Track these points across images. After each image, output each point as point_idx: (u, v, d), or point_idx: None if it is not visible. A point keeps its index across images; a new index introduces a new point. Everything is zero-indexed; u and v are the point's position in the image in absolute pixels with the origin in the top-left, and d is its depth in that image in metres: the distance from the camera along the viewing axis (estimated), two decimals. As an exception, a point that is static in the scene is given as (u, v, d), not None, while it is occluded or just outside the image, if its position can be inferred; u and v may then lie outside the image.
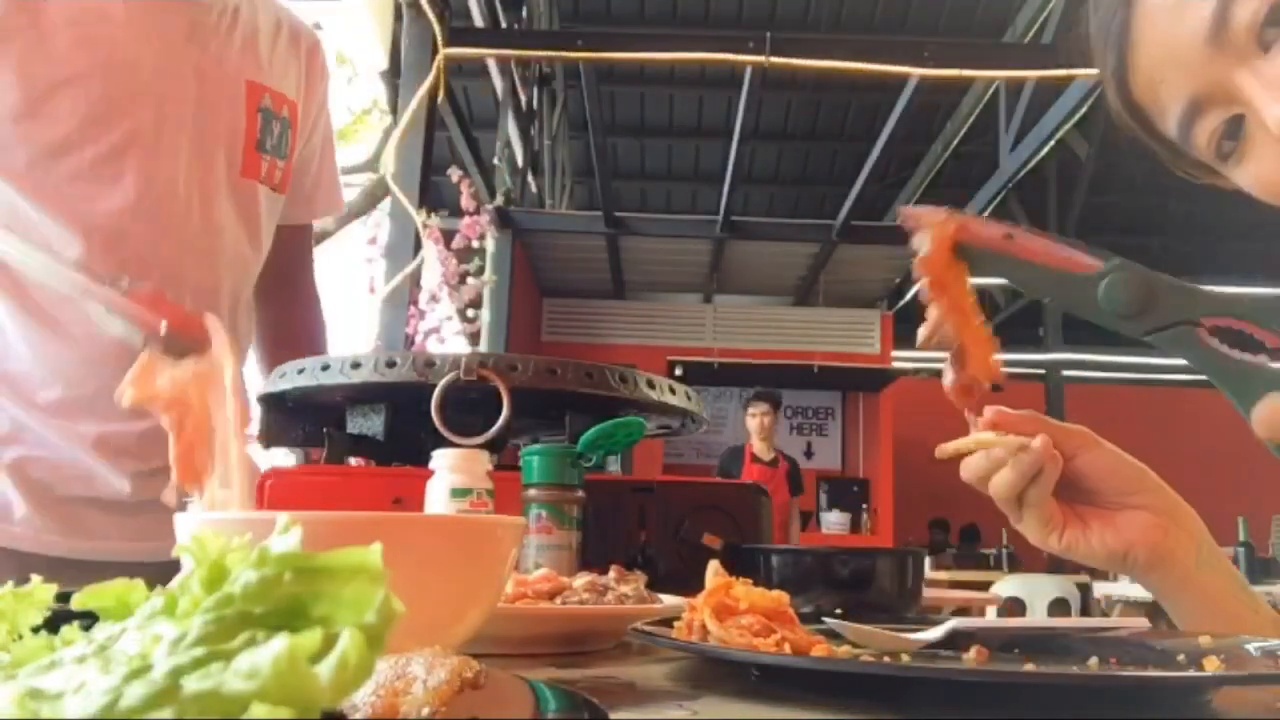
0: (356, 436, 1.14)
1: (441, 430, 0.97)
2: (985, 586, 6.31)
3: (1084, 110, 4.92)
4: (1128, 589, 6.73)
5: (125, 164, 1.19)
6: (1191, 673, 0.52)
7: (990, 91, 5.78)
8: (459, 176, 4.46)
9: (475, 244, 4.57)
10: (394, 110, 4.52)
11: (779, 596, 0.63)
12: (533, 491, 0.91)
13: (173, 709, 0.20)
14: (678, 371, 7.07)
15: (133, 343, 0.96)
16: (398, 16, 4.43)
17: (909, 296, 7.56)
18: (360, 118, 11.92)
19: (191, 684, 0.20)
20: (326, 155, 1.50)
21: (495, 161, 6.00)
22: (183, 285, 1.22)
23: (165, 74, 1.22)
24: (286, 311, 1.53)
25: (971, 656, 0.62)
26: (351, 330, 4.21)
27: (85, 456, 1.21)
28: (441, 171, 4.72)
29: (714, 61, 5.11)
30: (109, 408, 1.19)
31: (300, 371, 1.05)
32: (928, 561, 6.73)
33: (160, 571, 0.36)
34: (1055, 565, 8.96)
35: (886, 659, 0.60)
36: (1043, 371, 10.06)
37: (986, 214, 6.42)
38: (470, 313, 4.55)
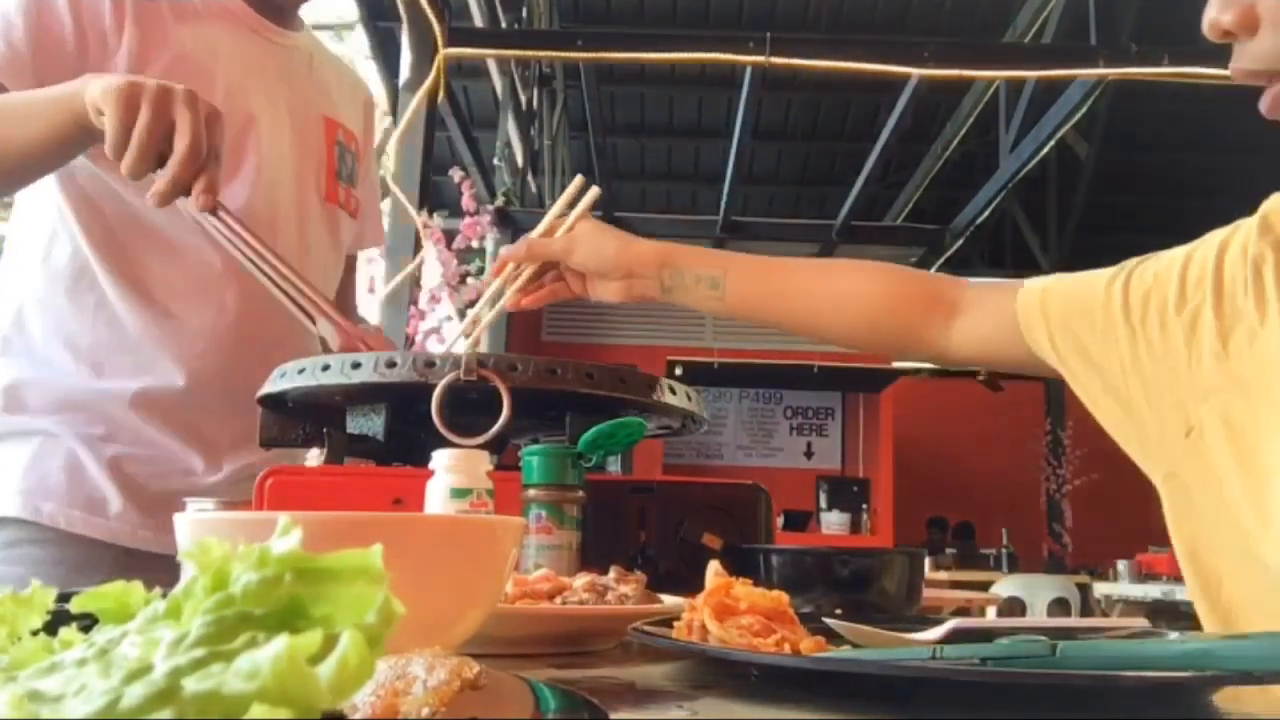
0: (356, 436, 1.14)
1: (441, 430, 0.97)
2: (985, 586, 6.31)
3: (1084, 110, 4.91)
4: (1128, 589, 6.74)
5: (241, 185, 1.29)
6: (1191, 672, 0.52)
7: (990, 91, 5.78)
8: (461, 177, 4.46)
9: (475, 244, 4.57)
10: (394, 110, 4.52)
11: (779, 597, 0.63)
12: (532, 492, 0.91)
13: (173, 709, 0.20)
14: (678, 371, 7.06)
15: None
16: (396, 17, 4.43)
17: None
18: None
19: (192, 685, 0.20)
20: (374, 194, 1.64)
21: (495, 161, 6.00)
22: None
23: (267, 108, 1.34)
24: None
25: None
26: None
27: (184, 449, 1.28)
28: (441, 171, 4.71)
29: (714, 61, 5.11)
30: (215, 398, 1.30)
31: (300, 371, 1.05)
32: (927, 562, 6.74)
33: None
34: (1055, 565, 8.97)
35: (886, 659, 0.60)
36: (1043, 371, 10.06)
37: (986, 213, 6.43)
38: (470, 313, 4.54)
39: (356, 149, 1.50)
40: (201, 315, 1.28)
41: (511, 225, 6.27)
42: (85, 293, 1.26)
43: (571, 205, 1.14)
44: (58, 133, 1.07)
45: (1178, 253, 0.88)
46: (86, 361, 1.25)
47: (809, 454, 8.36)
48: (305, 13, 1.45)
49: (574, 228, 1.08)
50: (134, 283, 1.26)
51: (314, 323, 1.18)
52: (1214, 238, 0.86)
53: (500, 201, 6.04)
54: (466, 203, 4.51)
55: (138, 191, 1.22)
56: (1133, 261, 0.91)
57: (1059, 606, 6.44)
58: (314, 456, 1.30)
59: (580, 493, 0.91)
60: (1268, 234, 0.83)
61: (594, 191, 1.12)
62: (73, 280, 1.26)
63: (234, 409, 1.30)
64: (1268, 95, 0.81)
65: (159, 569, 0.39)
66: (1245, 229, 0.85)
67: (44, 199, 1.27)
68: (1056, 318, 0.92)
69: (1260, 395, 0.76)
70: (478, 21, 5.20)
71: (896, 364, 7.94)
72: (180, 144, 0.99)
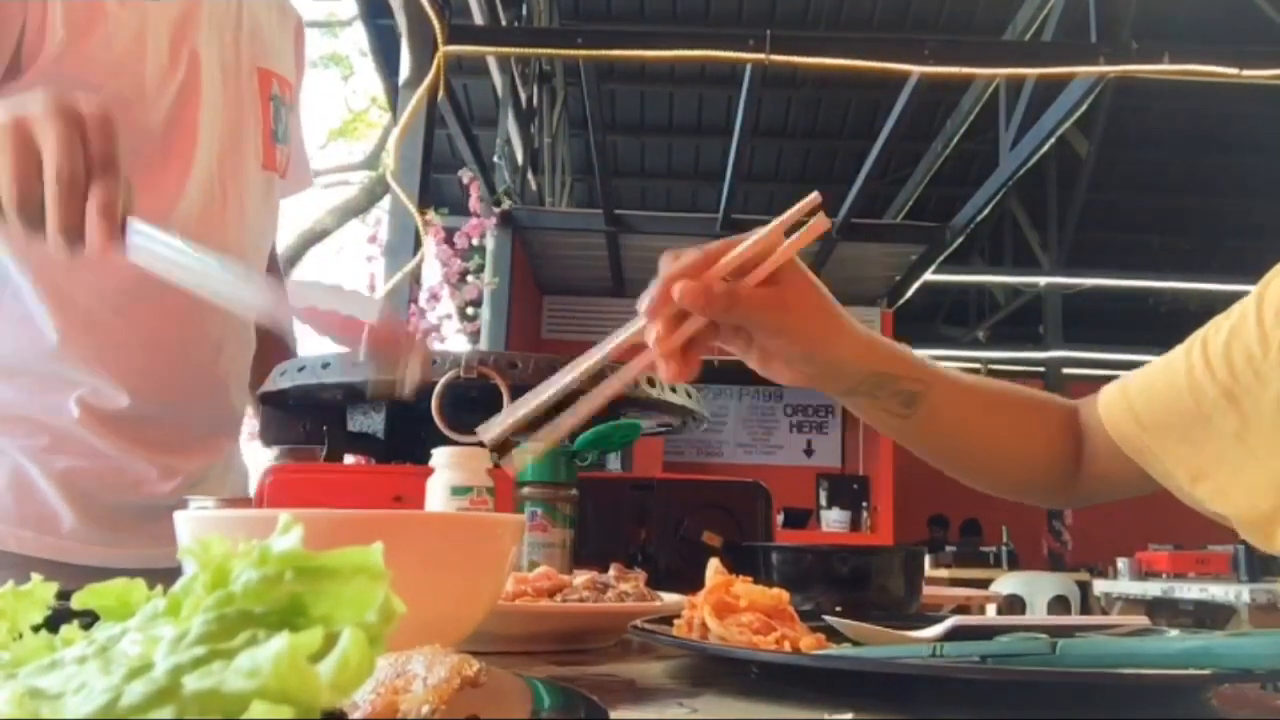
0: (357, 434, 1.14)
1: (441, 428, 0.97)
2: (985, 584, 6.31)
3: (1084, 108, 4.91)
4: (1128, 586, 6.74)
5: (168, 164, 1.17)
6: (1191, 670, 0.52)
7: (990, 89, 5.77)
8: (470, 179, 4.45)
9: (475, 242, 4.57)
10: (393, 108, 4.51)
11: (779, 594, 0.63)
12: (527, 490, 0.91)
13: (173, 708, 0.20)
14: (678, 369, 7.04)
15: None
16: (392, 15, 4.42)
17: (909, 294, 7.56)
18: (359, 115, 11.90)
19: (192, 683, 0.20)
20: (299, 134, 1.45)
21: (495, 159, 5.99)
22: None
23: (205, 73, 1.20)
24: None
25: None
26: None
27: (133, 457, 1.20)
28: (441, 170, 4.71)
29: (714, 59, 5.10)
30: (160, 406, 1.21)
31: (301, 369, 1.05)
32: (927, 559, 6.73)
33: None
34: (1055, 563, 8.97)
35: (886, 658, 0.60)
36: (1043, 369, 10.06)
37: (986, 211, 6.42)
38: (470, 311, 4.54)
39: (290, 97, 1.35)
40: (140, 323, 1.19)
41: (511, 223, 6.27)
42: (7, 303, 1.15)
43: (788, 231, 0.73)
44: None
45: (1246, 299, 0.80)
46: (18, 374, 1.16)
47: (809, 452, 8.36)
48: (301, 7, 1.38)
49: (782, 274, 0.73)
50: (55, 292, 1.15)
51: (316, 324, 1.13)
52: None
53: (506, 205, 6.03)
54: (474, 204, 4.50)
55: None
56: (1200, 330, 0.82)
57: (1059, 604, 6.45)
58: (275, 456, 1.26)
59: (574, 490, 0.91)
60: None
61: (821, 224, 0.72)
62: None
63: (183, 413, 1.25)
64: None
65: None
66: None
67: None
68: (1139, 397, 0.82)
69: None
70: (478, 19, 5.19)
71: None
72: (49, 175, 0.78)
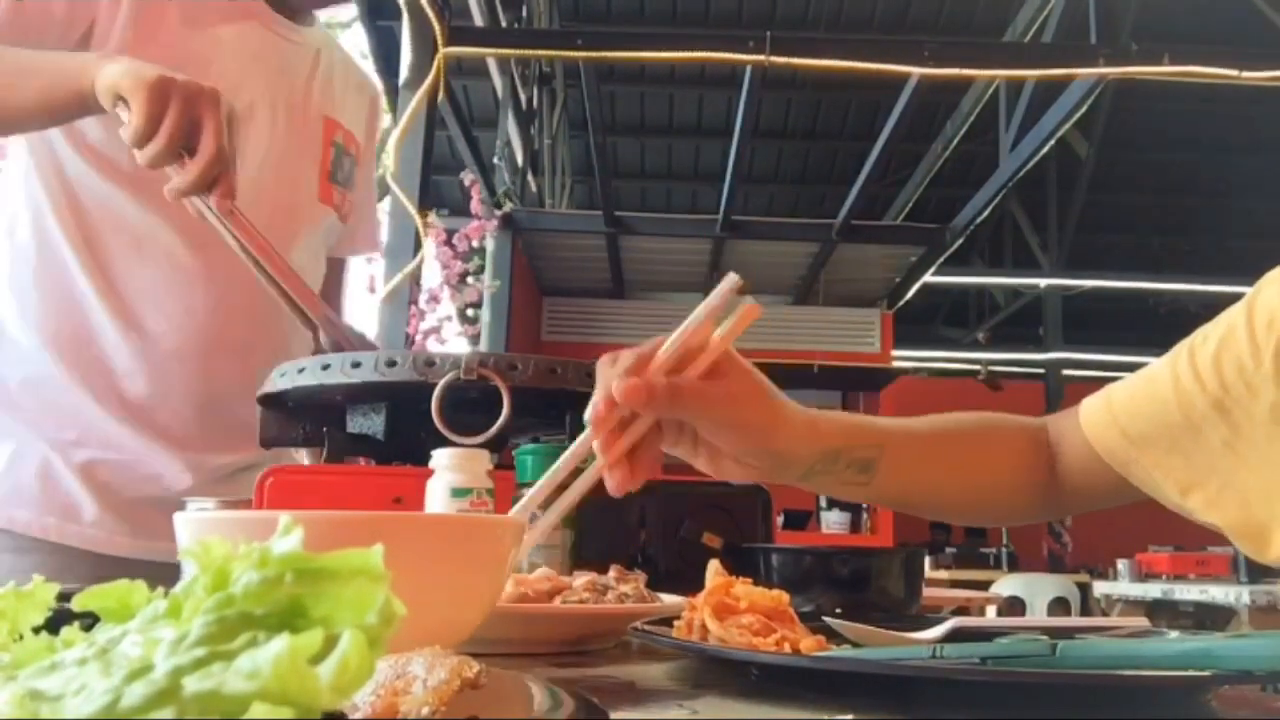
0: (357, 436, 1.14)
1: (442, 429, 0.97)
2: (985, 586, 6.31)
3: (1084, 109, 4.91)
4: (1128, 588, 6.74)
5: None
6: (1191, 672, 0.52)
7: (990, 90, 5.78)
8: (471, 180, 4.45)
9: (475, 244, 4.57)
10: (393, 109, 4.51)
11: (779, 596, 0.63)
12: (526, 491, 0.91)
13: (173, 709, 0.20)
14: (678, 370, 7.03)
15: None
16: (396, 15, 4.42)
17: (909, 296, 7.56)
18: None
19: (192, 684, 0.20)
20: (371, 199, 1.61)
21: (495, 160, 6.00)
22: (266, 291, 1.29)
23: (263, 103, 1.32)
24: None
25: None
26: (351, 329, 4.20)
27: (153, 452, 1.26)
28: (441, 171, 4.71)
29: (714, 60, 5.10)
30: (184, 401, 1.28)
31: (300, 371, 1.05)
32: (927, 561, 6.73)
33: None
34: (1055, 565, 8.96)
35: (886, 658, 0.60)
36: (1042, 371, 10.06)
37: (986, 213, 6.42)
38: (470, 312, 4.54)
39: (356, 152, 1.48)
40: (170, 318, 1.26)
41: (511, 225, 6.27)
42: (54, 286, 1.24)
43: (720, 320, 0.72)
44: (50, 103, 1.07)
45: (1235, 308, 0.79)
46: (58, 355, 1.24)
47: (809, 453, 8.35)
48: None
49: (722, 368, 0.72)
50: (105, 281, 1.24)
51: (315, 330, 1.18)
52: (1273, 276, 0.78)
53: (508, 207, 6.03)
54: (475, 207, 4.51)
55: (125, 185, 1.22)
56: (1184, 341, 0.81)
57: (1059, 606, 6.45)
58: (302, 456, 1.30)
59: (575, 492, 0.91)
60: None
61: (753, 312, 0.71)
62: (42, 272, 1.24)
63: (206, 411, 1.29)
64: None
65: (135, 574, 0.40)
66: None
67: (21, 191, 1.26)
68: (1124, 410, 0.81)
69: None
70: (478, 20, 5.19)
71: (896, 363, 7.94)
72: (207, 146, 1.00)
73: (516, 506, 0.70)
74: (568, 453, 0.70)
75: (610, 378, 0.69)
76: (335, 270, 1.57)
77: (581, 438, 0.70)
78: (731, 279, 0.71)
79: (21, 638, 0.32)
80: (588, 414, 0.69)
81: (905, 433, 0.83)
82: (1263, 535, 0.73)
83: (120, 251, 1.25)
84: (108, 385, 1.24)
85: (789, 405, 0.76)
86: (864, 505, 7.50)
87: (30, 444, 1.23)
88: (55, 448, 1.23)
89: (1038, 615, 5.80)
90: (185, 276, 1.27)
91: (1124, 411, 0.81)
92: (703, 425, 0.72)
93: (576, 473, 0.71)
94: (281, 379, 1.08)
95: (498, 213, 5.68)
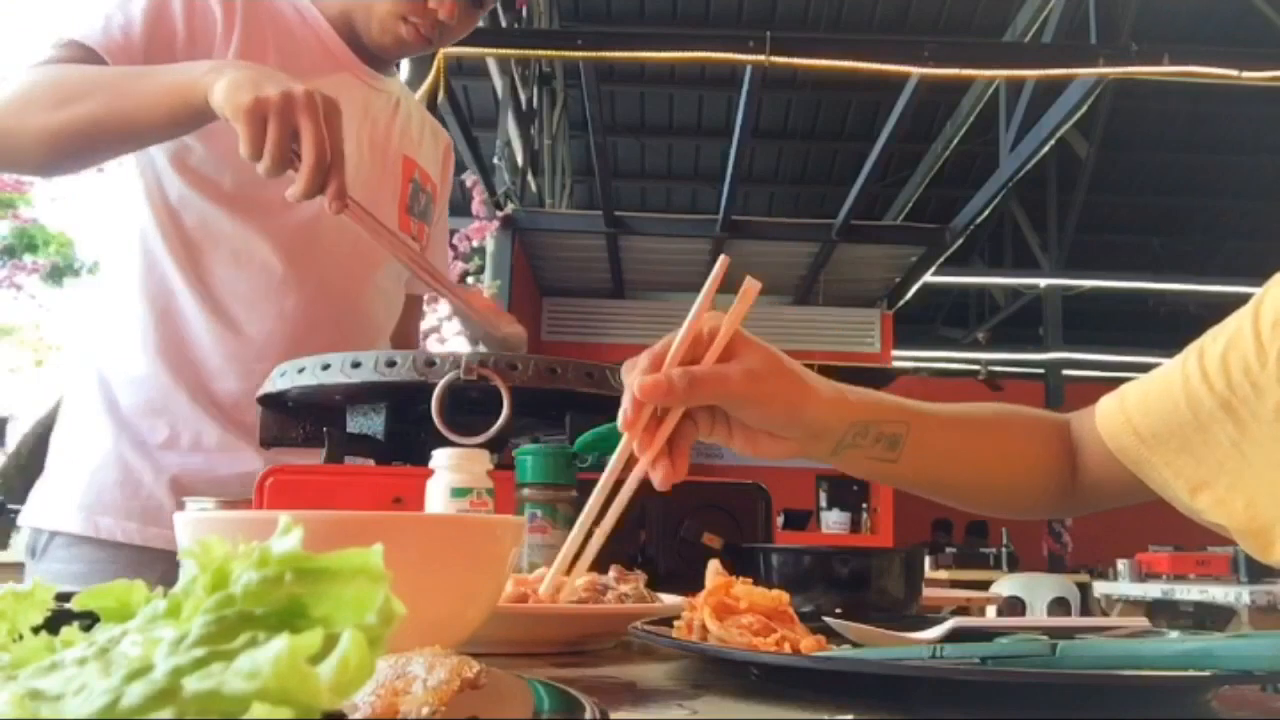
0: (357, 436, 1.14)
1: (442, 430, 0.97)
2: (985, 586, 6.31)
3: (1084, 109, 4.91)
4: (1128, 588, 6.74)
5: (315, 201, 1.29)
6: (1191, 672, 0.52)
7: (990, 90, 5.78)
8: (473, 182, 4.46)
9: (476, 244, 4.57)
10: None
11: (779, 596, 0.63)
12: (527, 491, 0.91)
13: (173, 709, 0.20)
14: (678, 371, 7.02)
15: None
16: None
17: (909, 296, 7.56)
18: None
19: (192, 684, 0.20)
20: (444, 238, 1.72)
21: (495, 160, 6.00)
22: (353, 304, 1.42)
23: (349, 138, 1.36)
24: None
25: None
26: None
27: (238, 449, 1.31)
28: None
29: (714, 60, 5.11)
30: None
31: (300, 371, 1.05)
32: (927, 561, 6.73)
33: None
34: (1055, 565, 8.96)
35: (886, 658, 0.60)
36: (1042, 371, 10.06)
37: (986, 213, 6.42)
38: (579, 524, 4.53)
39: (432, 190, 1.58)
40: (262, 321, 1.34)
41: (511, 225, 6.27)
42: (158, 297, 1.33)
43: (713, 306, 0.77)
44: (174, 118, 1.14)
45: (1244, 310, 0.79)
46: (159, 356, 1.32)
47: (809, 453, 8.35)
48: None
49: (736, 349, 0.75)
50: (203, 288, 1.33)
51: (450, 296, 1.31)
52: (1279, 279, 0.78)
53: (509, 209, 6.03)
54: (477, 208, 4.51)
55: (224, 204, 1.33)
56: (1198, 340, 0.82)
57: (1059, 606, 6.45)
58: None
59: (574, 492, 0.91)
60: None
61: (754, 287, 0.76)
62: (148, 286, 1.33)
63: None
64: None
65: None
66: None
67: (129, 213, 1.36)
68: (1136, 409, 0.82)
69: None
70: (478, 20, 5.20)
71: (896, 363, 7.94)
72: (307, 156, 1.04)
73: (576, 531, 0.72)
74: (609, 466, 0.73)
75: (632, 380, 0.71)
76: (413, 306, 1.66)
77: (620, 446, 0.73)
78: (722, 260, 0.74)
79: (21, 638, 0.32)
80: (620, 420, 0.71)
81: (932, 414, 0.84)
82: (1267, 535, 0.74)
83: (219, 262, 1.34)
84: (201, 384, 1.32)
85: (813, 376, 0.78)
86: (864, 505, 7.52)
87: (116, 451, 1.29)
88: (143, 453, 1.30)
89: (1038, 615, 5.81)
90: (276, 283, 1.35)
91: (1136, 411, 0.81)
92: (729, 405, 0.74)
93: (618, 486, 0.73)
94: (281, 379, 1.08)
95: (499, 213, 5.69)
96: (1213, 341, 0.79)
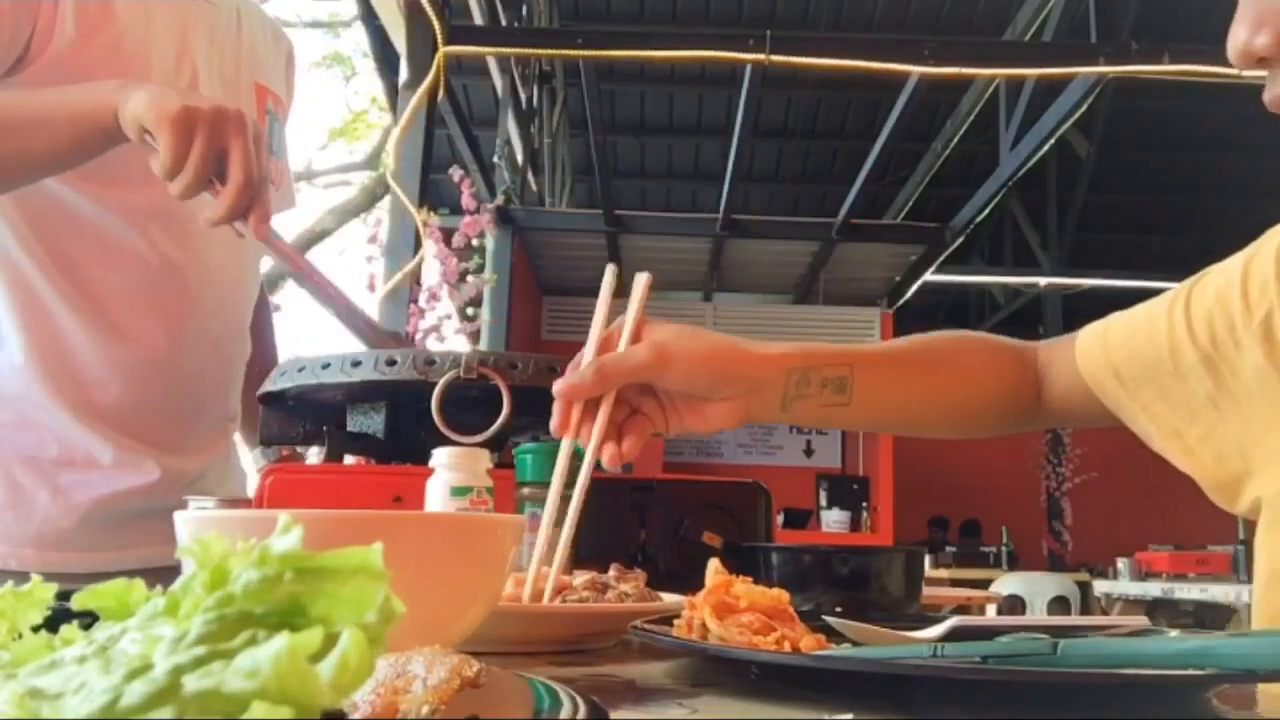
0: (356, 435, 1.14)
1: (442, 428, 0.97)
2: (985, 585, 6.31)
3: (1084, 109, 4.91)
4: (1128, 587, 6.74)
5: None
6: (1192, 670, 0.52)
7: (990, 90, 5.77)
8: (460, 176, 4.46)
9: (475, 242, 4.57)
10: (393, 108, 4.51)
11: (779, 595, 0.63)
12: (526, 490, 0.91)
13: (173, 708, 0.20)
14: (678, 369, 7.02)
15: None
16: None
17: (909, 295, 7.56)
18: (359, 115, 11.88)
19: (192, 683, 0.20)
20: (286, 155, 1.53)
21: (495, 159, 5.99)
22: (221, 269, 1.30)
23: (205, 83, 1.28)
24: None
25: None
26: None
27: (135, 459, 1.23)
28: (442, 170, 4.70)
29: (714, 59, 5.10)
30: (162, 402, 1.27)
31: (300, 369, 1.05)
32: (927, 560, 6.72)
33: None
34: (1055, 563, 8.96)
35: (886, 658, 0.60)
36: (1042, 370, 10.05)
37: (986, 212, 6.41)
38: (470, 311, 4.54)
39: (282, 113, 1.44)
40: (142, 318, 1.24)
41: (511, 223, 6.27)
42: (23, 300, 1.20)
43: (613, 311, 0.81)
44: (81, 146, 1.06)
45: (1236, 260, 0.80)
46: (35, 371, 1.20)
47: (809, 452, 8.35)
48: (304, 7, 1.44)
49: (640, 333, 0.79)
50: (73, 286, 1.20)
51: (366, 339, 1.18)
52: (1273, 235, 0.79)
53: (500, 200, 6.03)
54: (466, 201, 4.51)
55: (77, 184, 1.18)
56: (1190, 280, 0.83)
57: (1059, 605, 6.44)
58: (313, 454, 1.30)
59: (574, 491, 0.91)
60: None
61: (645, 279, 0.82)
62: (9, 287, 1.20)
63: (186, 410, 1.28)
64: None
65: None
66: None
67: None
68: (1120, 350, 0.83)
69: None
70: (478, 19, 5.19)
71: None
72: (235, 176, 0.99)
73: (543, 531, 0.75)
74: (556, 471, 0.78)
75: (555, 387, 0.78)
76: (263, 296, 1.54)
77: (561, 450, 0.78)
78: (610, 269, 0.83)
79: (21, 636, 0.32)
80: (552, 427, 0.77)
81: (876, 353, 0.88)
82: (1234, 487, 0.76)
83: (90, 261, 1.21)
84: (90, 400, 1.21)
85: (736, 338, 0.81)
86: (864, 505, 7.52)
87: (6, 473, 1.19)
88: (34, 471, 1.19)
89: (1038, 614, 5.81)
90: (152, 274, 1.24)
91: (1119, 352, 0.84)
92: (652, 378, 0.78)
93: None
94: (282, 378, 1.07)
95: (490, 206, 5.67)
96: (1201, 292, 0.81)
